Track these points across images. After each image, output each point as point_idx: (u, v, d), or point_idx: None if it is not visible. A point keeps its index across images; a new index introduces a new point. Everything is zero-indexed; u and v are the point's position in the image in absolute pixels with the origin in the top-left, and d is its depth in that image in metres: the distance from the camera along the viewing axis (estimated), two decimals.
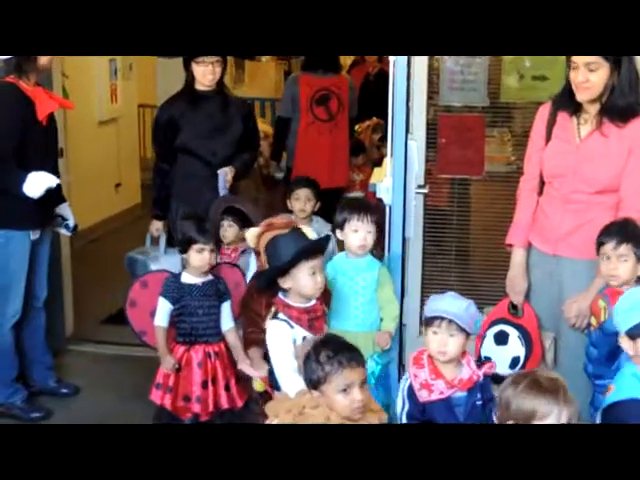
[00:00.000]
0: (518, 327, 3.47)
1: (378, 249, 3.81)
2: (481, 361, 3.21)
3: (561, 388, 2.37)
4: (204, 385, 3.67)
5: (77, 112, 5.88)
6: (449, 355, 2.89)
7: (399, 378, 3.71)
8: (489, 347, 3.47)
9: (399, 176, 3.67)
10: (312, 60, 5.86)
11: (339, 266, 3.62)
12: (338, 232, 3.65)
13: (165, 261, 4.42)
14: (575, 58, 3.18)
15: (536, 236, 3.47)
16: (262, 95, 9.57)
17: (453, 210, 4.52)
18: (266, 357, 3.51)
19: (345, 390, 2.49)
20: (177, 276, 3.76)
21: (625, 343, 2.81)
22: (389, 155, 3.75)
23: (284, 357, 3.12)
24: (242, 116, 4.65)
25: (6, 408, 4.27)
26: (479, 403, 2.93)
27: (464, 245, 4.67)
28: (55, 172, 4.18)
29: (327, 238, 3.50)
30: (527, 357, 3.43)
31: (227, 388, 3.73)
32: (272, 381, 3.28)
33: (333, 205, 3.81)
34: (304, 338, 3.14)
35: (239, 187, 4.78)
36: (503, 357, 3.44)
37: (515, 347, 3.46)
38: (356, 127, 6.38)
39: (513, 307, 3.53)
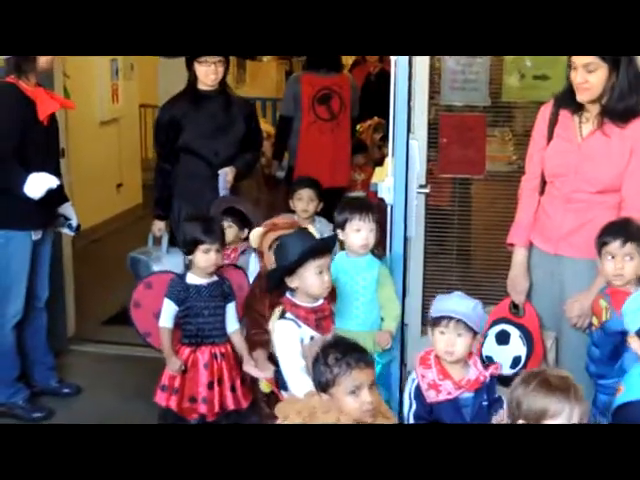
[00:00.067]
0: (519, 327, 3.47)
1: (379, 249, 3.81)
2: (483, 361, 3.21)
3: (572, 386, 2.37)
4: (210, 386, 3.65)
5: (78, 112, 5.88)
6: (456, 355, 2.89)
7: (401, 378, 3.72)
8: (490, 347, 3.47)
9: (400, 176, 3.67)
10: (314, 59, 5.86)
11: (340, 266, 3.62)
12: (339, 232, 3.64)
13: (167, 261, 4.43)
14: (574, 59, 3.19)
15: (537, 235, 3.47)
16: (263, 95, 9.56)
17: (454, 210, 4.53)
18: (271, 358, 3.52)
19: (354, 392, 2.49)
20: (182, 277, 3.74)
21: (635, 343, 2.81)
22: (390, 155, 3.75)
23: (292, 356, 3.12)
24: (244, 116, 4.64)
25: (8, 408, 4.27)
26: (485, 404, 2.93)
27: (465, 245, 4.68)
28: (57, 172, 4.19)
29: (334, 238, 3.50)
30: (528, 357, 3.43)
31: (233, 389, 3.71)
32: (278, 382, 3.29)
33: (335, 205, 3.81)
34: (311, 338, 3.15)
35: (240, 187, 4.78)
36: (504, 357, 3.43)
37: (516, 347, 3.46)
38: (357, 127, 6.38)
39: (514, 307, 3.53)
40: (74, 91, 6.20)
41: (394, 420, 2.72)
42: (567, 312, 3.34)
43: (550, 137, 3.40)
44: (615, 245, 3.12)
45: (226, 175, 4.46)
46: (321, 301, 3.24)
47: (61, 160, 4.53)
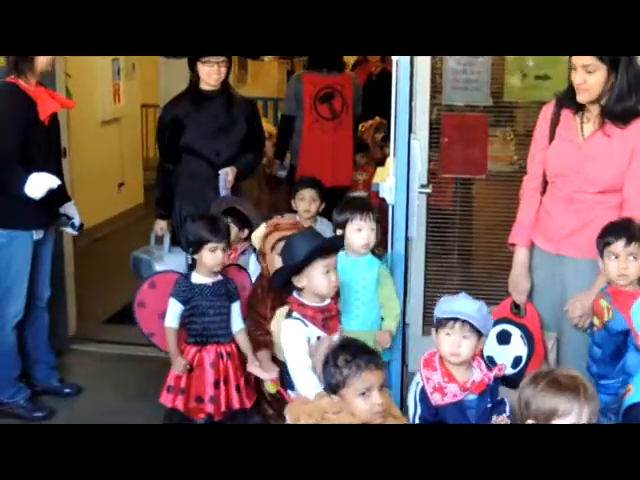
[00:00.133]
0: (520, 327, 3.47)
1: (380, 249, 3.81)
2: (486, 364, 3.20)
3: (581, 385, 2.36)
4: (216, 385, 3.64)
5: (80, 112, 5.88)
6: (462, 357, 2.86)
7: (402, 378, 3.71)
8: (491, 346, 3.47)
9: (402, 176, 3.66)
10: (316, 59, 5.85)
11: (339, 265, 3.61)
12: (339, 232, 3.64)
13: (169, 260, 4.43)
14: (574, 59, 3.19)
15: (539, 235, 3.47)
16: (265, 95, 9.57)
17: (456, 210, 4.54)
18: (274, 359, 3.53)
19: (364, 394, 2.48)
20: (187, 276, 3.74)
21: None
22: (392, 155, 3.74)
23: (299, 355, 3.13)
24: (246, 116, 4.64)
25: (9, 407, 4.27)
26: (489, 406, 2.92)
27: (467, 245, 4.69)
28: (59, 172, 4.19)
29: (341, 237, 3.50)
30: (529, 357, 3.43)
31: (237, 389, 3.70)
32: (284, 382, 3.29)
33: (337, 204, 3.81)
34: (318, 337, 3.15)
35: (242, 187, 4.78)
36: (505, 356, 3.43)
37: (517, 347, 3.46)
38: (359, 126, 6.38)
39: (516, 307, 3.53)
40: (76, 91, 6.20)
41: (404, 421, 2.72)
42: (569, 312, 3.34)
43: (552, 137, 3.40)
44: (619, 245, 3.11)
45: (226, 175, 4.45)
46: (328, 301, 3.24)
47: (63, 160, 4.53)
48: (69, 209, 4.41)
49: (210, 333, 3.69)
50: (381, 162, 4.91)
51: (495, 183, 4.54)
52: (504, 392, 3.05)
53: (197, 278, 3.70)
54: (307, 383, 3.01)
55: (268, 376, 3.48)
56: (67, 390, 4.55)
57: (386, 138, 5.38)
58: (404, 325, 3.84)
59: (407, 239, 3.79)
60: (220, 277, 3.73)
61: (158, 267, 4.36)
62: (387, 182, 3.73)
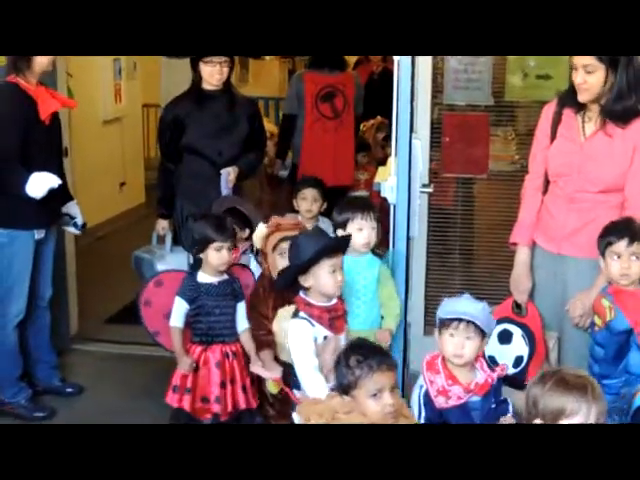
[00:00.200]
0: (522, 326, 3.47)
1: (381, 248, 3.81)
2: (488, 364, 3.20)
3: (589, 385, 2.35)
4: (222, 385, 3.64)
5: (81, 111, 5.89)
6: (465, 358, 2.85)
7: (403, 378, 3.71)
8: (493, 346, 3.47)
9: (403, 175, 3.67)
10: (318, 58, 5.85)
11: None
12: (340, 232, 3.64)
13: (171, 260, 4.43)
14: (574, 59, 3.20)
15: (540, 235, 3.47)
16: (266, 94, 9.57)
17: (457, 209, 4.54)
18: (277, 359, 3.53)
19: (376, 395, 2.48)
20: (194, 275, 3.73)
21: None
22: (393, 154, 3.75)
23: (306, 355, 3.12)
24: (248, 116, 4.64)
25: (10, 407, 4.27)
26: (493, 406, 2.92)
27: (468, 244, 4.69)
28: (60, 171, 4.19)
29: (347, 237, 3.51)
30: (530, 356, 3.43)
31: (243, 389, 3.70)
32: (289, 381, 3.29)
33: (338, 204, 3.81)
34: (325, 337, 3.15)
35: (243, 187, 4.78)
36: (507, 356, 3.43)
37: (519, 346, 3.46)
38: (361, 126, 6.38)
39: (517, 306, 3.52)
40: (77, 90, 6.21)
41: (415, 422, 2.71)
42: (570, 312, 3.34)
43: (553, 136, 3.40)
44: (621, 245, 3.11)
45: (228, 175, 4.46)
46: (335, 300, 3.24)
47: (64, 159, 4.53)
48: (72, 208, 4.41)
49: (215, 332, 3.69)
50: (382, 161, 4.91)
51: (496, 182, 4.54)
52: (507, 392, 3.05)
53: (203, 277, 3.70)
54: (314, 383, 3.01)
55: (271, 376, 3.48)
56: (68, 390, 4.55)
57: (387, 137, 5.37)
58: (405, 324, 3.84)
59: (408, 238, 3.79)
60: (226, 276, 3.73)
61: (160, 266, 4.36)
62: (388, 181, 3.73)
